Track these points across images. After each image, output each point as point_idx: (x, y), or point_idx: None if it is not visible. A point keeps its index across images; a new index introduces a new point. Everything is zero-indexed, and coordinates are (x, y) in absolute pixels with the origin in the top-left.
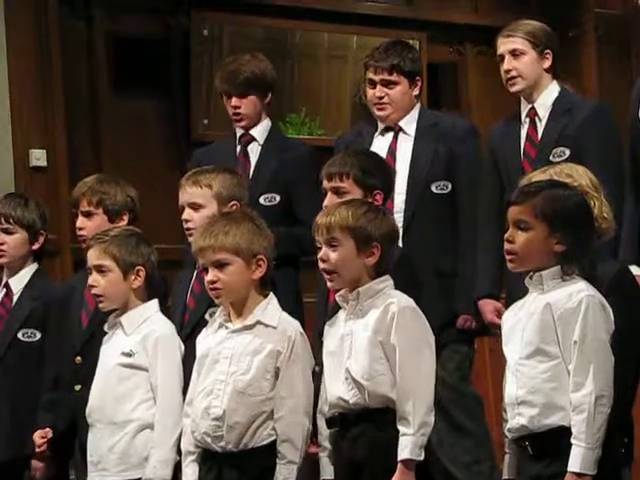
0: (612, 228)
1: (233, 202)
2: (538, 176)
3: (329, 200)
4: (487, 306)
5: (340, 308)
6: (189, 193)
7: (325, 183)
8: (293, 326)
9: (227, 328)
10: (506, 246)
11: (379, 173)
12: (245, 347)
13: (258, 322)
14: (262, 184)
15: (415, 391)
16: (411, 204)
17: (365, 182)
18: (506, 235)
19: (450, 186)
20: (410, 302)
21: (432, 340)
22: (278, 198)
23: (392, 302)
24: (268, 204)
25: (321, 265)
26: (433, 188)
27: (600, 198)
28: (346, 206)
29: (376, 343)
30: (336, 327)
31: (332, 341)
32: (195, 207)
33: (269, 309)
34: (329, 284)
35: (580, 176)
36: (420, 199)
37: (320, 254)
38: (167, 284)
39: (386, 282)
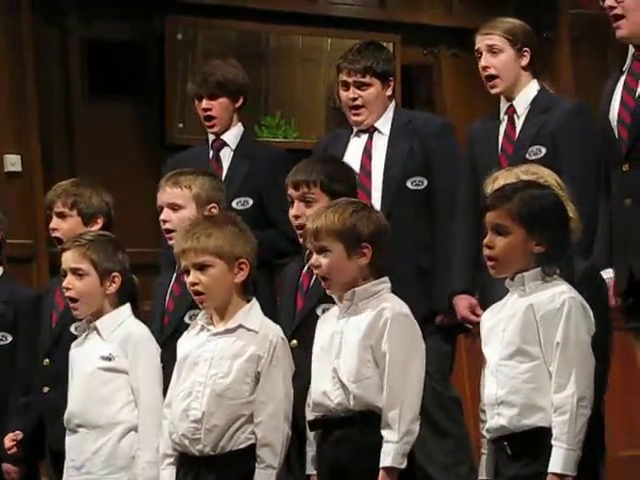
0: (578, 228)
1: (212, 204)
2: (504, 175)
3: (297, 209)
4: (462, 302)
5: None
6: (168, 193)
7: (291, 191)
8: (274, 331)
9: (208, 331)
10: (486, 252)
11: (345, 179)
12: (226, 350)
13: (240, 326)
14: (234, 188)
15: (402, 399)
16: (387, 201)
17: (332, 189)
18: (485, 241)
19: (426, 182)
20: (404, 308)
21: (423, 348)
22: (251, 202)
23: (385, 307)
24: (241, 208)
25: (315, 271)
26: (409, 184)
27: (566, 197)
28: (332, 209)
29: (366, 347)
30: (328, 323)
31: (323, 337)
32: (174, 208)
33: (251, 313)
34: (327, 290)
35: (546, 175)
36: (396, 196)
37: (312, 261)
38: (138, 289)
39: (383, 284)
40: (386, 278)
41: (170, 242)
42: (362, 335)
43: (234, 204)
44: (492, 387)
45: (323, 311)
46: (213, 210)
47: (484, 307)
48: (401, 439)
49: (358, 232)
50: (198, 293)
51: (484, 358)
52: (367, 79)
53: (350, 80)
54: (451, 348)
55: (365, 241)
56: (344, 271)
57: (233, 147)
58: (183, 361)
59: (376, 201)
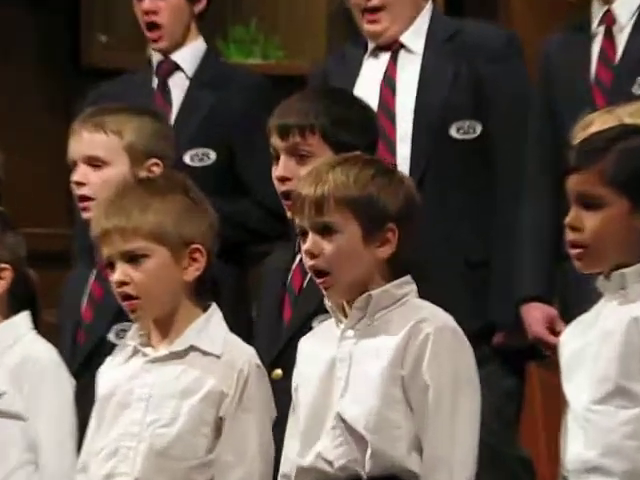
0: None
1: (153, 160)
2: (600, 119)
3: (284, 167)
4: (533, 313)
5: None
6: (87, 142)
7: (276, 141)
8: (246, 355)
9: (145, 355)
10: (569, 235)
11: (359, 125)
12: (171, 385)
13: (192, 347)
14: (189, 135)
15: (453, 456)
16: (421, 157)
17: (339, 139)
18: (568, 219)
19: (479, 128)
20: (448, 320)
21: (477, 378)
22: (213, 156)
23: (425, 318)
24: (198, 164)
25: (309, 262)
26: (453, 131)
27: None
28: (343, 167)
29: (394, 379)
30: (323, 345)
31: (314, 367)
32: (95, 163)
33: (210, 328)
34: (324, 292)
35: None
36: (434, 149)
37: (307, 245)
38: (37, 289)
39: (409, 285)
40: (409, 277)
41: (86, 216)
42: (388, 361)
43: (187, 159)
44: (579, 444)
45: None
46: (154, 169)
47: (568, 320)
48: None
49: (383, 207)
50: (128, 297)
51: (566, 399)
52: None
53: None
54: (517, 383)
55: (392, 220)
56: (357, 263)
57: (189, 72)
58: (106, 401)
59: (404, 155)
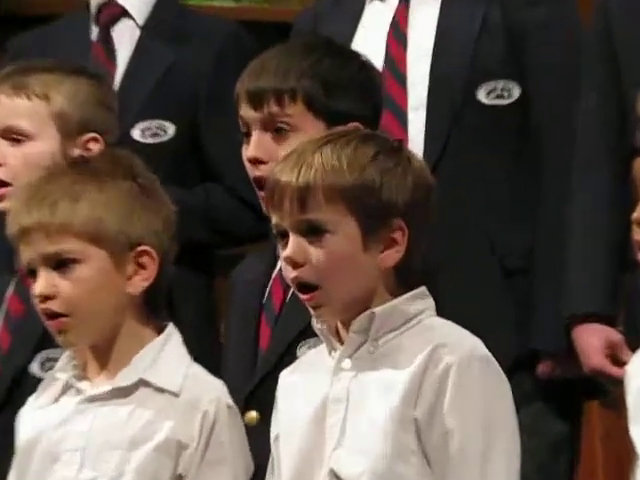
0: None
1: (90, 135)
2: None
3: (257, 145)
4: (590, 337)
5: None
6: (4, 109)
7: (247, 111)
8: (213, 392)
9: (79, 393)
10: (638, 235)
11: (357, 86)
12: (115, 431)
13: (142, 382)
14: (139, 102)
15: None
16: (439, 131)
17: (329, 107)
18: (636, 215)
19: (517, 90)
20: (477, 345)
21: (515, 421)
22: (171, 130)
23: (445, 344)
24: (150, 141)
25: (291, 273)
26: (482, 95)
27: None
28: (333, 146)
29: (406, 422)
30: (311, 381)
31: (297, 410)
32: (14, 137)
33: (165, 357)
34: (312, 312)
35: None
36: (457, 119)
37: (288, 251)
38: None
39: (424, 301)
40: (424, 289)
41: (1, 207)
42: (398, 400)
43: (137, 134)
44: None
45: None
46: (91, 146)
47: (636, 346)
48: None
49: (387, 198)
50: (54, 315)
51: (635, 447)
52: None
53: None
54: (569, 428)
55: (399, 216)
56: (354, 273)
57: (140, 20)
58: (29, 452)
59: (416, 133)
